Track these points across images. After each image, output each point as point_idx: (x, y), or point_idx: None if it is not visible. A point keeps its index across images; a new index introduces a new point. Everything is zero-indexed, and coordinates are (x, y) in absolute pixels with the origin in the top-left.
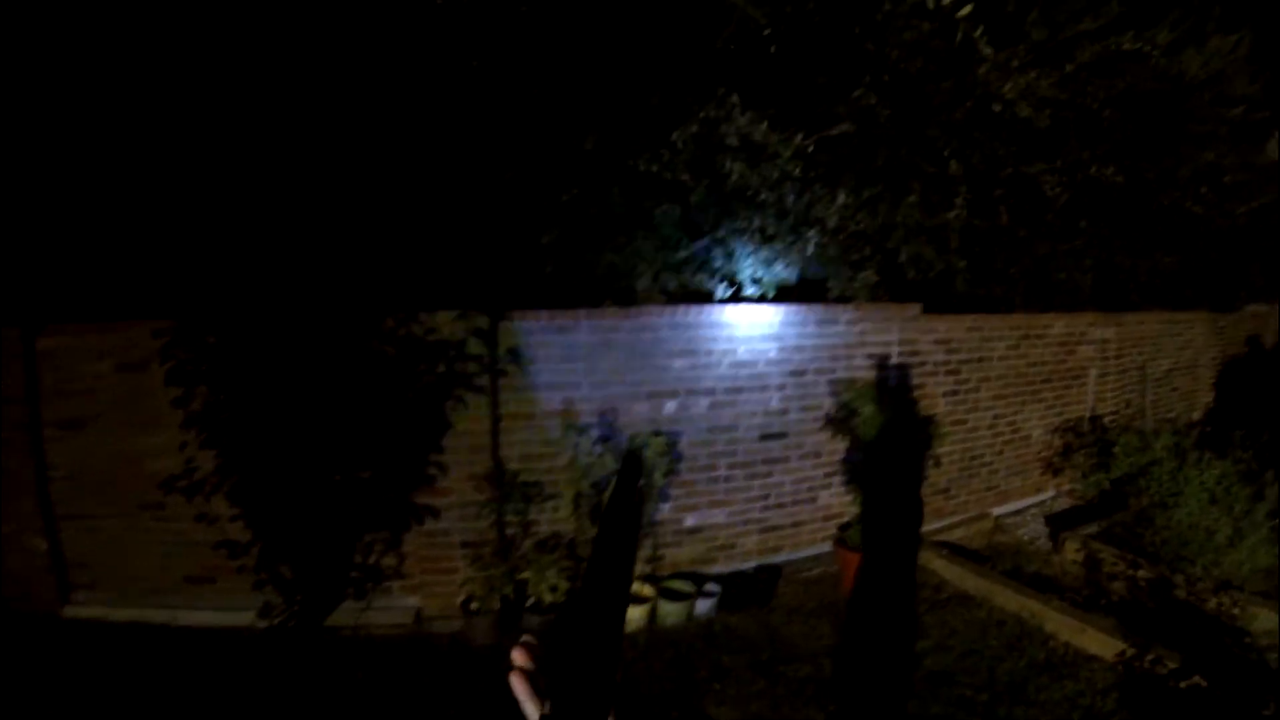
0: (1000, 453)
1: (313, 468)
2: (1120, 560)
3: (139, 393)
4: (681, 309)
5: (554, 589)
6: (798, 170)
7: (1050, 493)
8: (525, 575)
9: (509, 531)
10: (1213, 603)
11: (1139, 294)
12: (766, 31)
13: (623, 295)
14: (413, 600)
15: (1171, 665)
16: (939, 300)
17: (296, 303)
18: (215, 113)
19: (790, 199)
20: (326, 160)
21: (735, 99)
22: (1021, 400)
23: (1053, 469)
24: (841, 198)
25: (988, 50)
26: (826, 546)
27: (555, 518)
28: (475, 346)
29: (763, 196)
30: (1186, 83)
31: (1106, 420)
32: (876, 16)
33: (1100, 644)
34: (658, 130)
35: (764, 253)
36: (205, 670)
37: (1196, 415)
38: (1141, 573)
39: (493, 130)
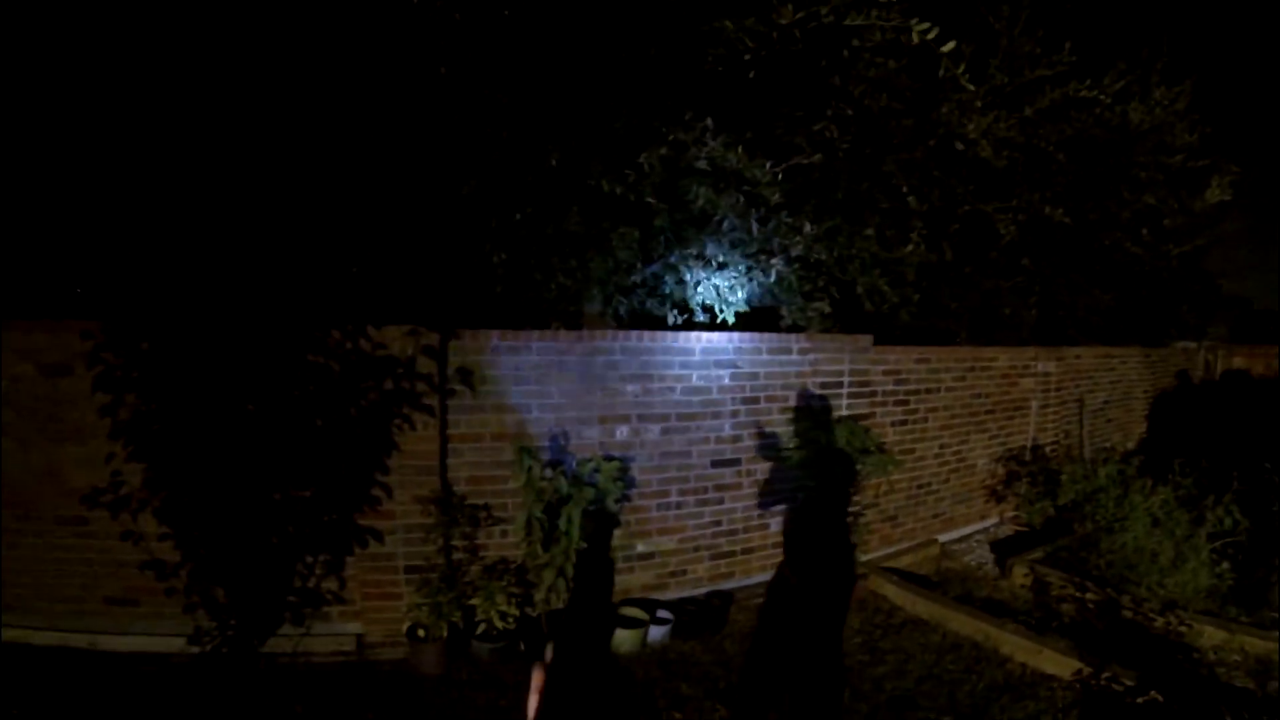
0: (946, 481)
1: (249, 485)
2: (1068, 583)
3: (63, 399)
4: (635, 334)
5: (504, 616)
6: (777, 196)
7: (994, 519)
8: (474, 601)
9: (456, 556)
10: (1160, 622)
11: (1077, 329)
12: (747, 57)
13: (570, 318)
14: (354, 626)
15: (1128, 682)
16: (885, 331)
17: (238, 311)
18: (159, 105)
19: (754, 226)
20: (274, 165)
21: (709, 122)
22: (967, 430)
23: (996, 496)
24: (808, 227)
25: (969, 87)
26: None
27: (503, 543)
28: (425, 365)
29: (726, 223)
30: (1131, 131)
31: (1047, 449)
32: (844, 52)
33: (1057, 664)
34: (623, 151)
35: (721, 279)
36: (128, 699)
37: (1131, 445)
38: (1089, 595)
39: (451, 142)
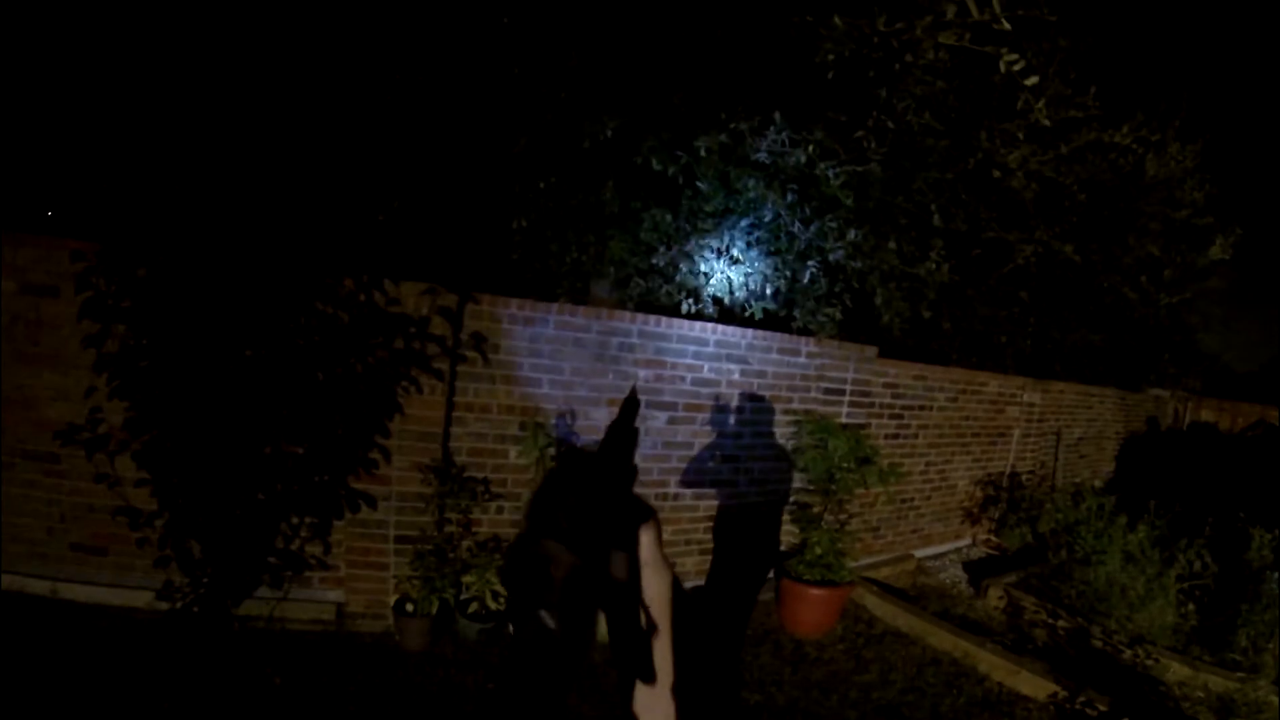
0: (928, 498)
1: (238, 435)
2: (1041, 609)
3: (46, 322)
4: (653, 318)
5: (496, 596)
6: (850, 200)
7: (967, 540)
8: (468, 579)
9: (449, 529)
10: (1128, 654)
11: (1062, 365)
12: (831, 57)
13: (577, 295)
14: (336, 594)
15: (1102, 708)
16: (880, 345)
17: (247, 247)
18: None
19: (797, 226)
20: (309, 91)
21: (777, 116)
22: (952, 451)
23: (971, 518)
24: (853, 233)
25: (1046, 121)
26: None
27: (498, 519)
28: (439, 326)
29: (769, 218)
30: (1145, 182)
31: (1024, 478)
32: (895, 66)
33: (1033, 685)
34: (680, 131)
35: (736, 272)
36: (86, 652)
37: (1098, 483)
38: (1061, 622)
39: (506, 95)
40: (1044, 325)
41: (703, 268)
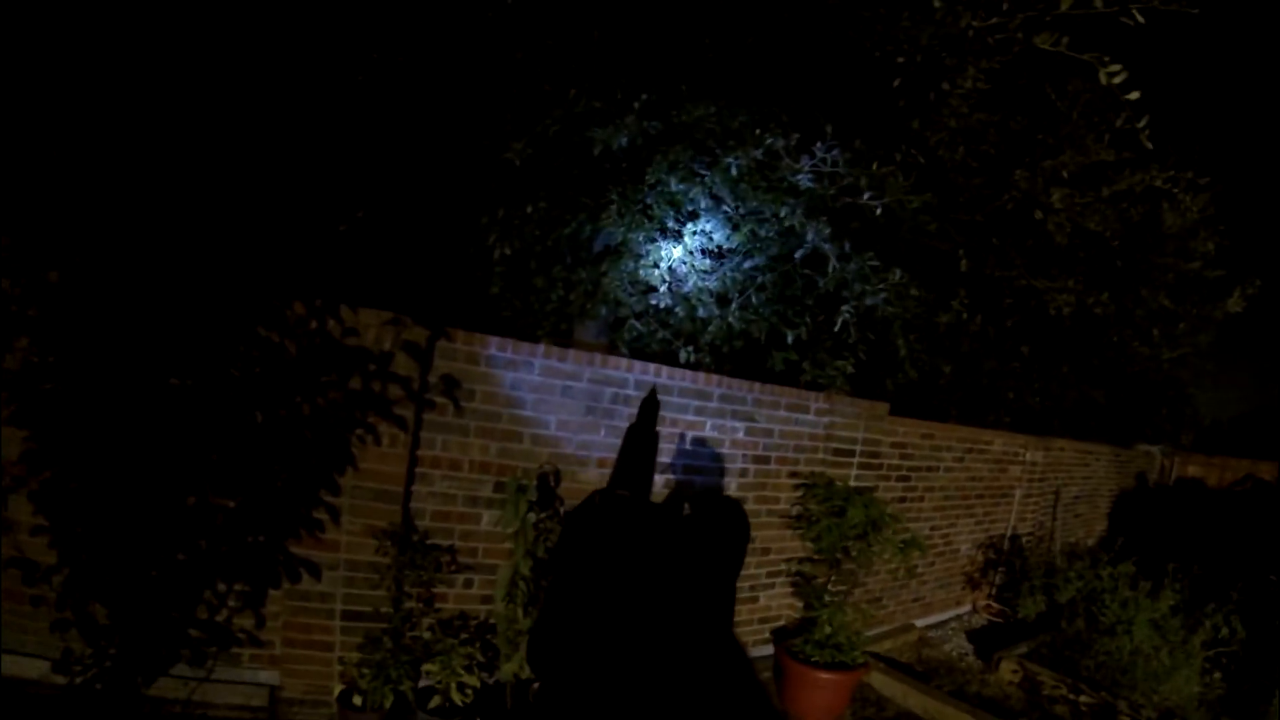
0: (931, 564)
1: (157, 481)
2: (1060, 683)
3: None
4: (652, 367)
5: (463, 688)
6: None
7: (967, 607)
8: (430, 667)
9: (407, 605)
10: None
11: (1061, 421)
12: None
13: (561, 336)
14: (269, 676)
15: None
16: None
17: (181, 255)
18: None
19: (833, 263)
20: (258, 76)
21: (829, 129)
22: (957, 514)
23: (972, 584)
24: (898, 274)
25: (1148, 144)
26: (761, 651)
27: (466, 594)
28: (404, 365)
29: (799, 254)
30: (1162, 231)
31: (1024, 540)
32: (930, 94)
33: None
34: (705, 147)
35: (755, 319)
36: None
37: (1092, 542)
38: (1084, 698)
39: (495, 91)
40: (1047, 379)
41: (700, 312)
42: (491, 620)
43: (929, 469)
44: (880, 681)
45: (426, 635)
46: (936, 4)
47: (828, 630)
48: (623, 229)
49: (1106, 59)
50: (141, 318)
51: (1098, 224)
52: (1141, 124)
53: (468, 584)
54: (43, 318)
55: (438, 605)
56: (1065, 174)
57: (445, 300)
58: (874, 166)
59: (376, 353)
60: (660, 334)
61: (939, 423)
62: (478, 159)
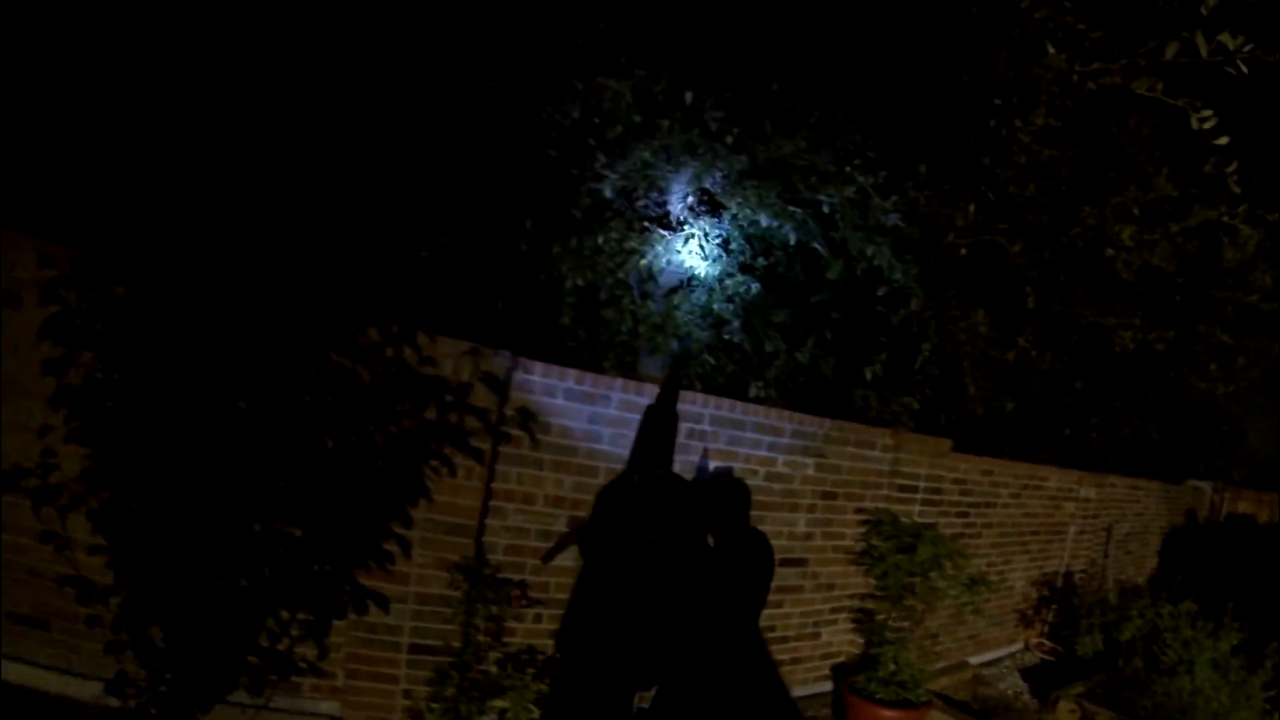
0: (987, 601)
1: (222, 505)
2: None
3: (2, 337)
4: (728, 402)
5: None
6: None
7: (1020, 645)
8: (501, 703)
9: (477, 638)
10: None
11: (1115, 457)
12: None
13: (626, 369)
14: (330, 706)
15: None
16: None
17: (255, 274)
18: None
19: (915, 302)
20: (348, 96)
21: (923, 170)
22: (1013, 550)
23: (1025, 621)
24: (981, 313)
25: (1236, 189)
26: (821, 687)
27: (534, 629)
28: (482, 396)
29: (883, 291)
30: (1221, 266)
31: (1077, 577)
32: (1002, 131)
33: None
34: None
35: (819, 354)
36: None
37: (1142, 580)
38: None
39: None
40: (1104, 415)
41: (768, 347)
42: (559, 655)
43: (987, 505)
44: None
45: (494, 670)
46: (1051, 50)
47: (892, 668)
48: (704, 262)
49: (1199, 104)
50: (211, 337)
51: (1161, 259)
52: (1230, 169)
53: (537, 619)
54: (107, 333)
55: (505, 640)
56: (1136, 210)
57: (517, 329)
58: (970, 208)
59: (454, 383)
60: (730, 368)
61: (998, 459)
62: (560, 188)
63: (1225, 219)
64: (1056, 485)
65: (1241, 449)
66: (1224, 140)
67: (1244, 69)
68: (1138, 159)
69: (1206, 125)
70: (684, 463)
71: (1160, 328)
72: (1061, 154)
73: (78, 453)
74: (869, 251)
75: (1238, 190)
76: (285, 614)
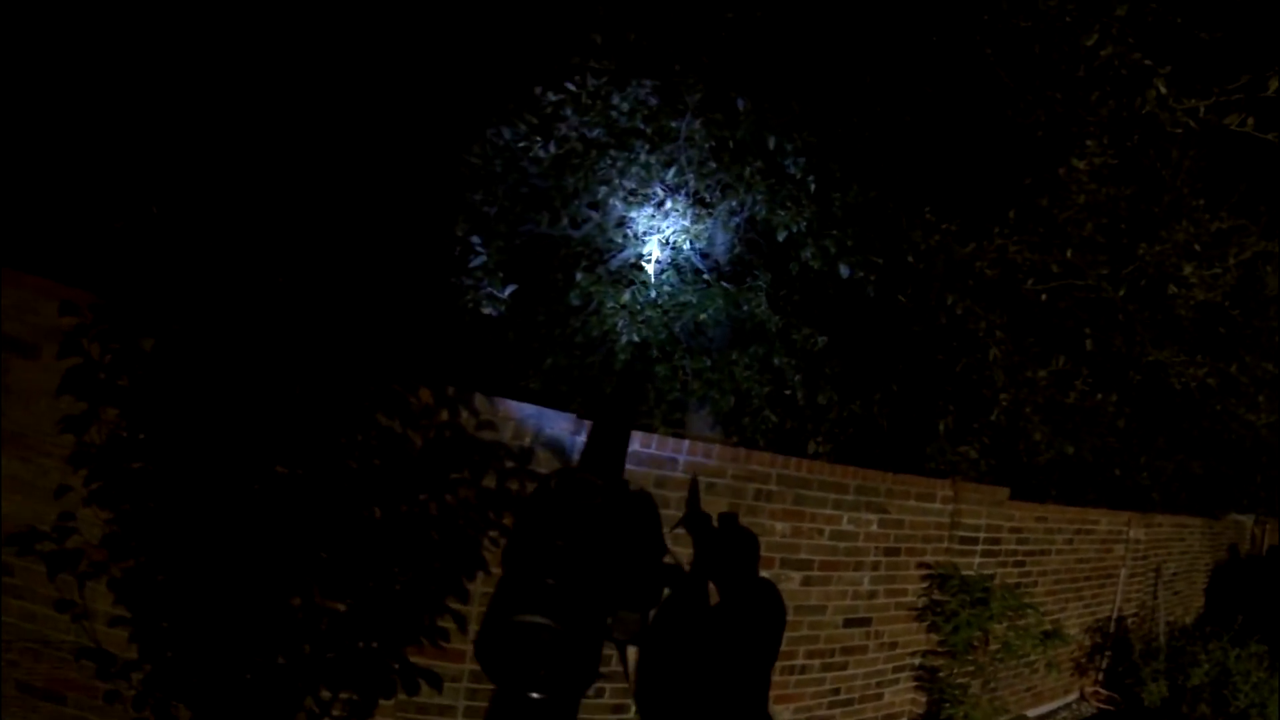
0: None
1: (258, 577)
2: None
3: (15, 390)
4: (794, 460)
5: None
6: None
7: (1075, 694)
8: None
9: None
10: None
11: (1160, 494)
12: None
13: (675, 425)
14: None
15: None
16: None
17: (298, 328)
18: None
19: (994, 351)
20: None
21: (1013, 213)
22: (1067, 597)
23: (1079, 669)
24: (1062, 361)
25: None
26: None
27: (593, 704)
28: (546, 461)
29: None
30: (1263, 296)
31: (1129, 621)
32: (1060, 170)
33: None
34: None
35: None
36: None
37: (1189, 619)
38: None
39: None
40: (1151, 453)
41: (820, 399)
42: None
43: (1042, 553)
44: None
45: None
46: (1163, 89)
47: None
48: (768, 314)
49: None
50: (245, 394)
51: (1215, 293)
52: None
53: (598, 693)
54: (134, 389)
55: None
56: (1198, 246)
57: (566, 388)
58: (1067, 253)
59: (515, 449)
60: (789, 423)
61: (1051, 504)
62: (617, 239)
63: (1273, 249)
64: (1107, 528)
65: None
66: None
67: None
68: (1182, 192)
69: None
70: (755, 525)
71: (1214, 362)
72: (1118, 191)
73: (99, 516)
74: (949, 301)
75: None
76: (327, 694)
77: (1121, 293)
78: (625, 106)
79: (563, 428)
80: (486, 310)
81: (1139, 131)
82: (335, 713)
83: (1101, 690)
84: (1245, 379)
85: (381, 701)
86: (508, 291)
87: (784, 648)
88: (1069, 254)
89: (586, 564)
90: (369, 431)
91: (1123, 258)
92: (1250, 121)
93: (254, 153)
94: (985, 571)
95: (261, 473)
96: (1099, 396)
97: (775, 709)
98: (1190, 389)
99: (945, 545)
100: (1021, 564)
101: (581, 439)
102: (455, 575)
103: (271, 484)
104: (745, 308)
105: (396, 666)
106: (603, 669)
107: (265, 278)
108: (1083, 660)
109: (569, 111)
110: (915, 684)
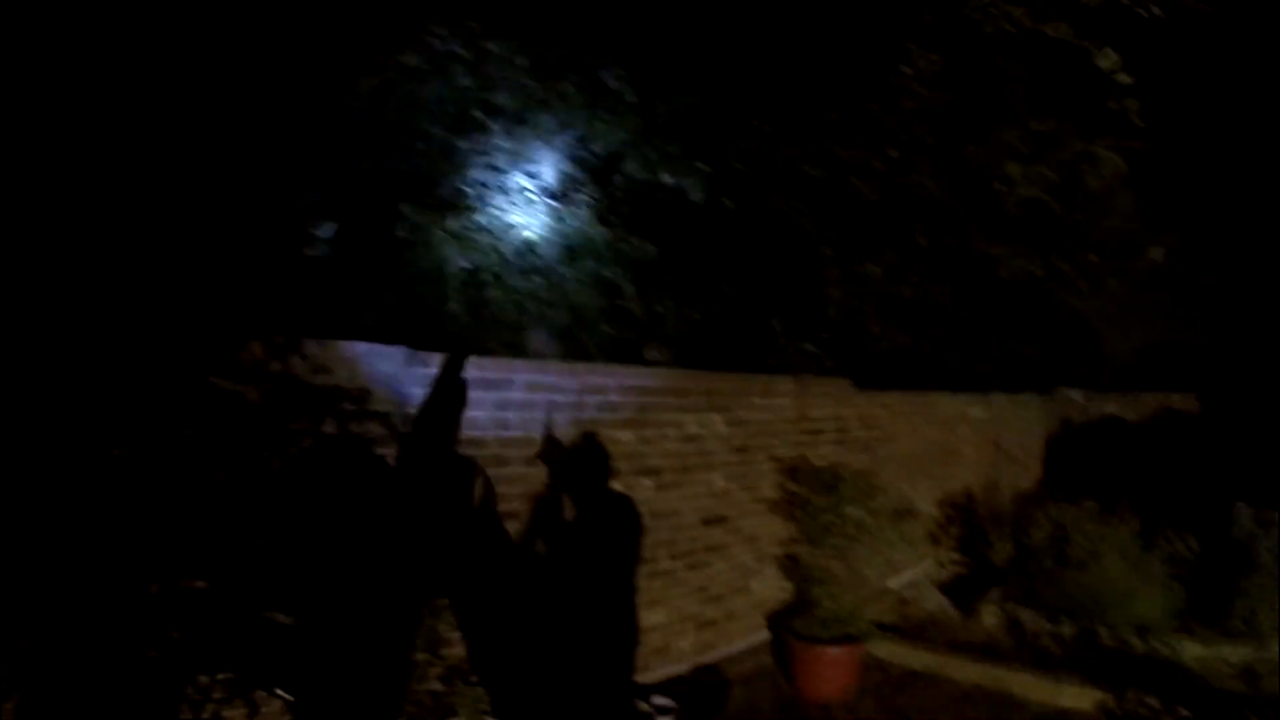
0: (898, 528)
1: (107, 572)
2: (1040, 619)
3: None
4: (633, 370)
5: None
6: None
7: (930, 562)
8: None
9: (414, 656)
10: (1139, 644)
11: (996, 377)
12: None
13: (515, 348)
14: None
15: (1154, 704)
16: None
17: (95, 288)
18: None
19: (824, 249)
20: None
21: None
22: (916, 476)
23: (934, 540)
24: (896, 256)
25: (1139, 120)
26: (757, 637)
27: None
28: (382, 400)
29: None
30: (1086, 194)
31: (976, 493)
32: (890, 78)
33: (1076, 698)
34: None
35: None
36: None
37: (1031, 486)
38: (1065, 628)
39: None
40: (985, 340)
41: (659, 308)
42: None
43: (888, 438)
44: (877, 646)
45: (439, 687)
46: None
47: (830, 606)
48: (596, 229)
49: (1105, 47)
50: (65, 378)
51: (1039, 190)
52: (1133, 104)
53: None
54: None
55: (443, 652)
56: (1022, 147)
57: (406, 323)
58: (892, 152)
59: (352, 390)
60: (627, 334)
61: (895, 392)
62: (442, 165)
63: (1099, 150)
64: (948, 410)
65: (1107, 357)
66: (1128, 80)
67: (1158, 12)
68: (1008, 97)
69: (1107, 65)
70: (599, 435)
71: (1040, 254)
72: (946, 96)
73: None
74: (777, 203)
75: (1141, 124)
76: (204, 678)
77: (949, 190)
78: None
79: (397, 362)
80: (312, 252)
81: (966, 38)
82: (216, 695)
83: (957, 556)
84: (1069, 268)
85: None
86: (329, 232)
87: (646, 553)
88: (895, 154)
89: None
90: (202, 395)
91: (951, 158)
92: (1066, 29)
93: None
94: (837, 459)
95: (95, 459)
96: (932, 289)
97: (645, 613)
98: (1018, 279)
99: (794, 439)
100: (870, 448)
101: (419, 371)
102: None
103: (109, 468)
104: (573, 224)
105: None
106: None
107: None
108: (937, 532)
109: None
110: (781, 573)
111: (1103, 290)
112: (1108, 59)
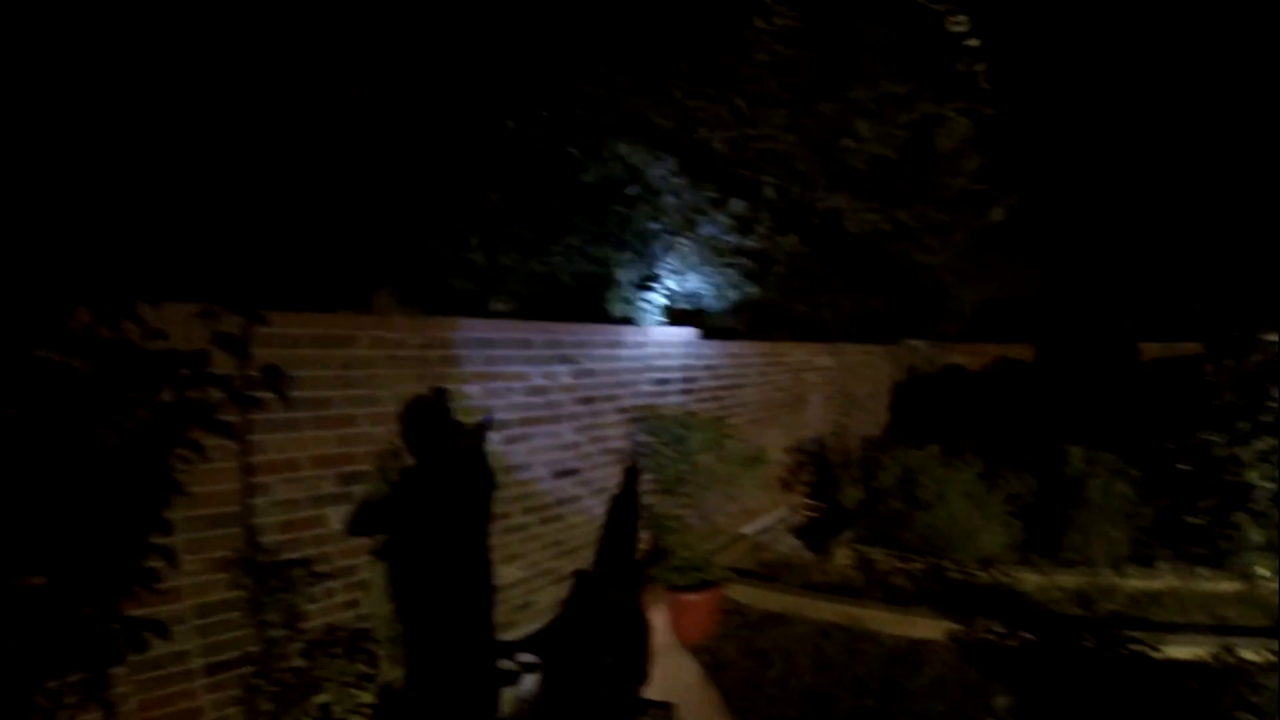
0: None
1: None
2: (891, 558)
3: None
4: (479, 322)
5: (360, 708)
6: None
7: (784, 509)
8: (324, 698)
9: (272, 634)
10: (984, 576)
11: (844, 327)
12: None
13: (361, 306)
14: None
15: (1000, 630)
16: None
17: None
18: None
19: (668, 196)
20: None
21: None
22: (767, 424)
23: (786, 486)
24: (734, 203)
25: (986, 84)
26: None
27: (330, 604)
28: (222, 362)
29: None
30: (935, 154)
31: (826, 440)
32: (744, 32)
33: (928, 629)
34: None
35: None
36: None
37: (880, 432)
38: (914, 565)
39: None
40: (834, 292)
41: (503, 260)
42: (363, 626)
43: (738, 386)
44: (735, 590)
45: (302, 663)
46: None
47: (685, 554)
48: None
49: (955, 10)
50: None
51: (888, 148)
52: (980, 68)
53: (329, 593)
54: None
55: (303, 626)
56: (872, 106)
57: (253, 281)
58: (741, 103)
59: (189, 353)
60: (471, 286)
61: (743, 340)
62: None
63: (947, 112)
64: (798, 359)
65: (951, 309)
66: (976, 43)
67: None
68: (861, 58)
69: (958, 29)
70: (439, 390)
71: (887, 209)
72: (800, 53)
73: None
74: (623, 150)
75: (988, 87)
76: (53, 683)
77: (795, 142)
78: None
79: (235, 322)
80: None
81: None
82: (68, 700)
83: (810, 501)
84: (916, 224)
85: (116, 671)
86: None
87: (499, 509)
88: (744, 105)
89: None
90: (25, 369)
91: (803, 113)
92: None
93: None
94: (686, 409)
95: None
96: (785, 240)
97: (503, 569)
98: (865, 233)
99: (642, 388)
100: (719, 398)
101: (261, 331)
102: (153, 506)
103: None
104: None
105: (117, 627)
106: None
107: None
108: (789, 478)
109: None
110: (639, 524)
111: (947, 246)
112: (959, 23)
